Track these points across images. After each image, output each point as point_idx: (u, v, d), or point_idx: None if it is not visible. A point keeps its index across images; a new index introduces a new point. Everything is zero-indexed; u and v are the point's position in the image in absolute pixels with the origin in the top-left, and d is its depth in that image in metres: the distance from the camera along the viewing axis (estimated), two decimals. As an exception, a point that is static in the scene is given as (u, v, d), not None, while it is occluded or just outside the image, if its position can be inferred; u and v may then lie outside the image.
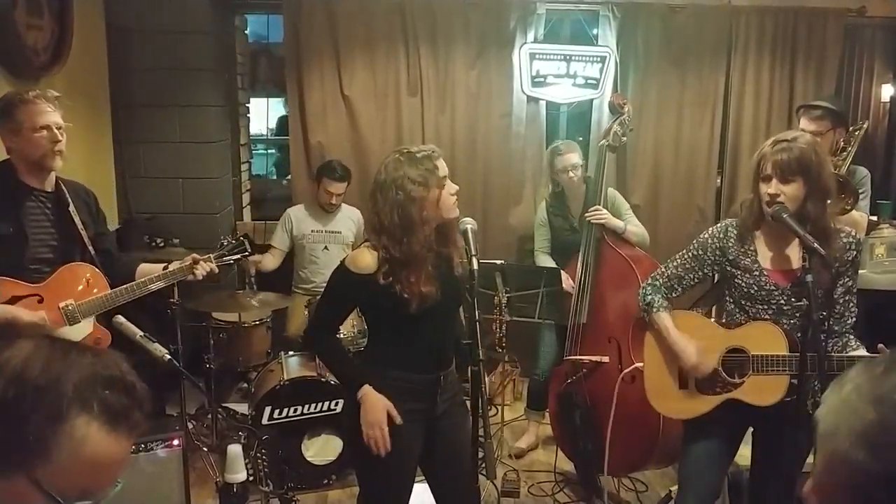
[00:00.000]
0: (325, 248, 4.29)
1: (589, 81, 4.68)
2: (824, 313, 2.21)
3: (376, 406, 2.21)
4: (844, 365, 2.11)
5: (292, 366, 3.67)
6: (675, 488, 2.84)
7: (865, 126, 3.30)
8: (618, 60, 4.67)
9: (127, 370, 0.99)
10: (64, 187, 2.67)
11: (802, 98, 4.50)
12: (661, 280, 2.47)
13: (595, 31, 4.78)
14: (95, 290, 2.65)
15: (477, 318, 2.07)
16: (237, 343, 4.01)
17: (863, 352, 2.26)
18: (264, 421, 3.46)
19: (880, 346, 2.03)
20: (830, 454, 0.83)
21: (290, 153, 4.80)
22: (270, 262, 4.27)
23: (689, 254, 2.44)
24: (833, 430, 0.83)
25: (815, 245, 2.09)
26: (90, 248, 2.70)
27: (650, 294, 2.46)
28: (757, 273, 2.29)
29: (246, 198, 5.19)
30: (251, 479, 2.76)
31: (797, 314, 2.24)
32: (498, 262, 3.60)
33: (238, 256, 2.95)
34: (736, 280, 2.33)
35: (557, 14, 4.77)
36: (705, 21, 4.68)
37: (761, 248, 2.31)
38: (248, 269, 4.07)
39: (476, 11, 4.60)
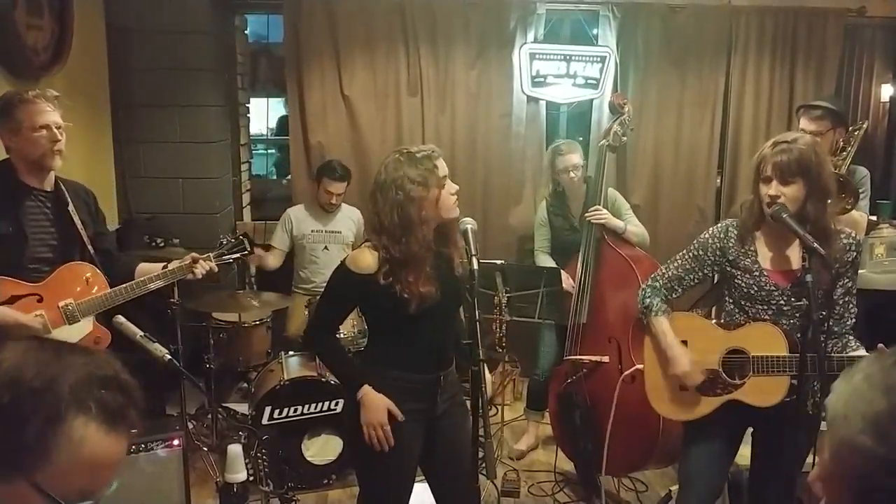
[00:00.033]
0: (325, 248, 4.29)
1: (589, 81, 4.68)
2: (824, 313, 2.21)
3: (377, 405, 2.21)
4: (844, 365, 2.11)
5: (292, 366, 3.67)
6: (675, 488, 2.84)
7: (865, 126, 3.30)
8: (618, 60, 4.67)
9: (120, 368, 0.98)
10: (63, 187, 2.67)
11: (802, 98, 4.50)
12: (660, 281, 2.47)
13: (595, 31, 4.78)
14: (95, 290, 2.65)
15: (477, 318, 2.07)
16: (237, 343, 4.01)
17: (862, 352, 2.26)
18: (264, 421, 3.46)
19: (880, 346, 2.02)
20: (839, 441, 0.85)
21: (290, 153, 4.80)
22: (271, 261, 4.28)
23: (690, 254, 2.44)
24: (842, 417, 0.84)
25: (815, 245, 2.09)
26: (90, 247, 2.70)
27: (649, 297, 2.46)
28: (757, 273, 2.29)
29: (246, 198, 5.19)
30: (251, 479, 2.75)
31: (797, 314, 2.24)
32: (498, 262, 3.60)
33: (237, 255, 2.95)
34: (736, 280, 2.33)
35: (557, 14, 4.77)
36: (705, 21, 4.68)
37: (761, 248, 2.31)
38: (251, 263, 4.06)
39: (476, 11, 4.60)
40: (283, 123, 6.73)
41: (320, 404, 3.51)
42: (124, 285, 2.67)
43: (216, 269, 2.85)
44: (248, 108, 5.19)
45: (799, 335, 2.20)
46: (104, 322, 2.65)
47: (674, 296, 2.47)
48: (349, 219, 4.35)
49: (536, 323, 3.59)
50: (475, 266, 2.14)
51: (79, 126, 2.94)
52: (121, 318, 2.35)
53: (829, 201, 2.24)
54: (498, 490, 3.35)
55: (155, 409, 3.75)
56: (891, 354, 0.87)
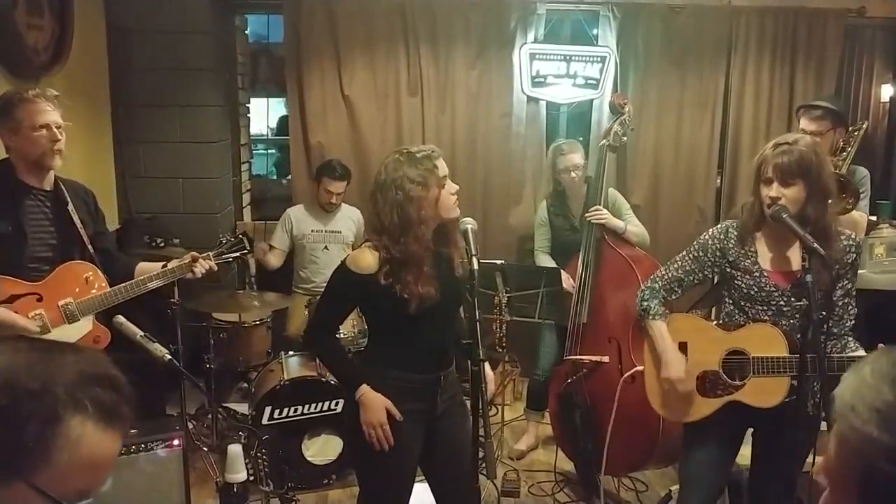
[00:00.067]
0: (325, 247, 4.29)
1: (589, 81, 4.68)
2: (824, 314, 2.21)
3: (376, 405, 2.21)
4: (845, 365, 2.11)
5: (292, 366, 3.67)
6: (675, 488, 2.85)
7: (865, 126, 3.30)
8: (618, 60, 4.66)
9: (110, 365, 0.98)
10: (63, 186, 2.67)
11: (802, 98, 4.51)
12: (660, 283, 2.47)
13: (595, 32, 4.78)
14: (94, 289, 2.65)
15: (477, 318, 2.07)
16: (237, 343, 4.01)
17: (862, 353, 2.26)
18: (264, 421, 3.46)
19: (880, 346, 2.02)
20: (846, 431, 0.86)
21: (290, 153, 4.80)
22: (272, 261, 4.28)
23: (689, 256, 2.44)
24: (849, 407, 0.86)
25: (815, 245, 2.09)
26: (89, 246, 2.70)
27: (647, 299, 2.45)
28: (757, 274, 2.29)
29: (246, 198, 5.19)
30: (251, 479, 2.75)
31: (797, 315, 2.24)
32: (498, 262, 3.60)
33: (237, 254, 2.95)
34: (736, 281, 2.33)
35: (557, 14, 4.77)
36: (705, 21, 4.68)
37: (762, 249, 2.31)
38: (255, 257, 4.06)
39: (476, 11, 4.60)
40: (283, 123, 6.73)
41: (320, 404, 3.51)
42: (124, 284, 2.67)
43: (216, 268, 2.85)
44: (248, 108, 5.19)
45: (799, 336, 2.20)
46: (104, 321, 2.65)
47: (673, 297, 2.47)
48: (349, 219, 4.35)
49: (536, 323, 3.59)
50: (475, 266, 2.14)
51: (79, 126, 2.94)
52: (121, 318, 2.35)
53: (830, 202, 2.24)
54: (498, 490, 3.35)
55: (155, 409, 3.74)
56: None
